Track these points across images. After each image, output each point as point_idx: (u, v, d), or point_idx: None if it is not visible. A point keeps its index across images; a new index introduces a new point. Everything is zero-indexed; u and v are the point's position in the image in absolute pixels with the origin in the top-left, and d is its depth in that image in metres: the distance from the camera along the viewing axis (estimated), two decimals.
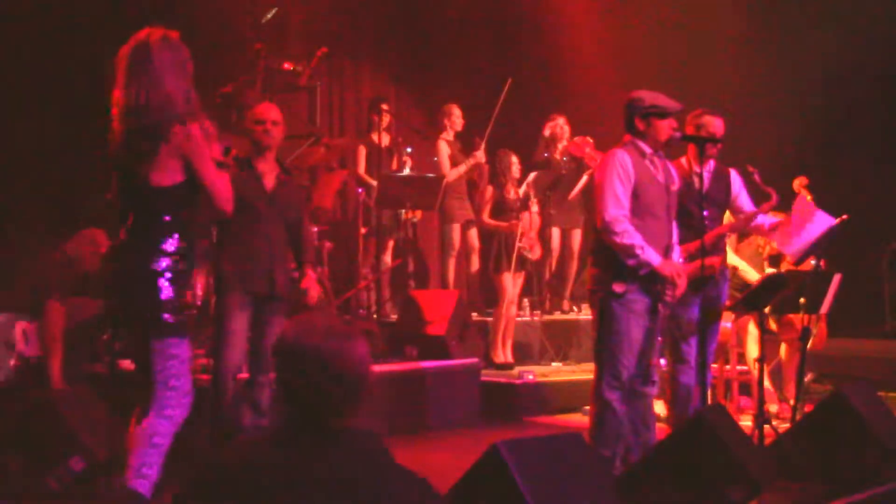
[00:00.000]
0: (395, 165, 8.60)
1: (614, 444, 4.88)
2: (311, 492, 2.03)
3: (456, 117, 8.86)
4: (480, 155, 8.52)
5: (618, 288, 4.82)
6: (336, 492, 2.03)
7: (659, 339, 5.05)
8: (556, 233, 9.24)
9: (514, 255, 8.01)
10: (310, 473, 2.05)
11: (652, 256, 4.80)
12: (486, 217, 8.20)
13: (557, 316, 9.12)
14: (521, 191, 8.45)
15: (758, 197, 5.87)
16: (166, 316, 3.91)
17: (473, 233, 8.86)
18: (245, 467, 2.09)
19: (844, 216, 5.88)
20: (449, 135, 8.81)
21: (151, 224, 3.96)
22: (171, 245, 3.95)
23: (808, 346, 6.07)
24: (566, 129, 9.09)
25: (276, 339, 2.21)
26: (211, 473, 2.12)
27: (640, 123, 4.94)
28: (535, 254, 8.32)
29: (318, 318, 2.22)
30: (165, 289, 3.92)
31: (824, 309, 6.41)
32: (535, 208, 8.39)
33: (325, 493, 2.03)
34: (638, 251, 4.78)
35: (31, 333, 5.56)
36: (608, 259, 4.89)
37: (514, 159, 8.26)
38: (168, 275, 3.92)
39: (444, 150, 8.73)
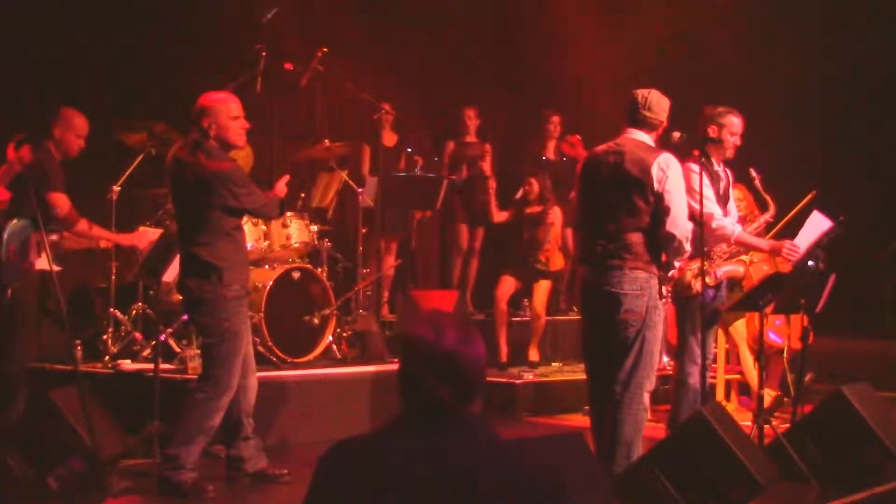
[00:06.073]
0: (402, 165, 8.62)
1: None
2: (434, 473, 2.16)
3: (471, 119, 8.95)
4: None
5: (664, 291, 4.96)
6: (460, 474, 2.16)
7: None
8: None
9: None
10: (433, 456, 2.18)
11: None
12: (496, 213, 8.25)
13: (558, 316, 9.12)
14: (524, 191, 8.48)
15: (758, 202, 5.88)
16: None
17: (478, 233, 9.02)
18: (371, 450, 2.22)
19: (842, 217, 5.88)
20: (466, 136, 8.99)
21: None
22: None
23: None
24: (558, 128, 9.11)
25: (407, 336, 2.32)
26: (343, 455, 2.24)
27: (659, 126, 4.97)
28: (553, 265, 8.29)
29: (447, 317, 2.32)
30: None
31: (818, 308, 6.40)
32: (555, 219, 8.31)
33: (448, 475, 2.16)
34: (687, 257, 5.05)
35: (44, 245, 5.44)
36: (655, 262, 4.85)
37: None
38: None
39: (449, 149, 8.94)
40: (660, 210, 4.76)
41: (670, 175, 4.78)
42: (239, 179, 5.02)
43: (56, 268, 5.30)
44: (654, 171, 4.77)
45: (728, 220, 5.53)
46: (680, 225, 4.77)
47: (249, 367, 5.21)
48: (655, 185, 4.76)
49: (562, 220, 8.43)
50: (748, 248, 5.84)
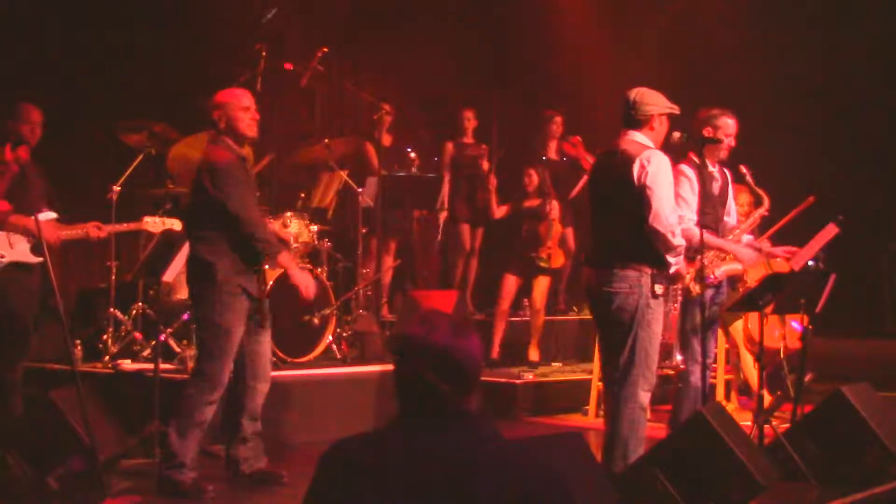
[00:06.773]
0: (397, 165, 8.62)
1: (644, 444, 4.84)
2: (434, 472, 2.15)
3: (469, 120, 8.96)
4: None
5: (659, 289, 4.80)
6: (461, 473, 2.15)
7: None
8: None
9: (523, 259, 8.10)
10: (433, 455, 2.17)
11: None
12: (496, 210, 8.39)
13: (557, 316, 9.12)
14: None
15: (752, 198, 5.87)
16: None
17: (478, 233, 9.04)
18: (372, 449, 2.23)
19: (841, 216, 5.88)
20: (464, 137, 8.99)
21: None
22: None
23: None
24: (560, 127, 9.11)
25: (400, 335, 2.34)
26: (344, 453, 2.24)
27: (657, 122, 4.94)
28: (554, 262, 8.28)
29: (440, 315, 2.32)
30: None
31: (818, 308, 6.40)
32: (555, 213, 8.30)
33: (448, 474, 2.15)
34: (682, 251, 4.86)
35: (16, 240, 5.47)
36: (646, 261, 4.79)
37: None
38: None
39: (447, 151, 8.93)
40: (642, 205, 4.75)
41: (650, 170, 4.75)
42: (226, 174, 4.95)
43: (35, 259, 5.35)
44: (635, 168, 4.78)
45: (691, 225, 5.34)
46: (662, 220, 4.73)
47: (262, 370, 5.20)
48: (636, 182, 4.76)
49: (560, 218, 8.45)
50: (718, 250, 5.71)
